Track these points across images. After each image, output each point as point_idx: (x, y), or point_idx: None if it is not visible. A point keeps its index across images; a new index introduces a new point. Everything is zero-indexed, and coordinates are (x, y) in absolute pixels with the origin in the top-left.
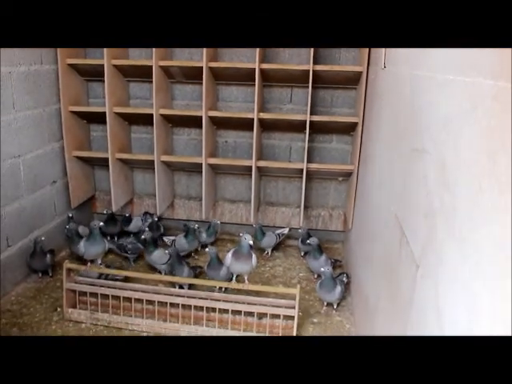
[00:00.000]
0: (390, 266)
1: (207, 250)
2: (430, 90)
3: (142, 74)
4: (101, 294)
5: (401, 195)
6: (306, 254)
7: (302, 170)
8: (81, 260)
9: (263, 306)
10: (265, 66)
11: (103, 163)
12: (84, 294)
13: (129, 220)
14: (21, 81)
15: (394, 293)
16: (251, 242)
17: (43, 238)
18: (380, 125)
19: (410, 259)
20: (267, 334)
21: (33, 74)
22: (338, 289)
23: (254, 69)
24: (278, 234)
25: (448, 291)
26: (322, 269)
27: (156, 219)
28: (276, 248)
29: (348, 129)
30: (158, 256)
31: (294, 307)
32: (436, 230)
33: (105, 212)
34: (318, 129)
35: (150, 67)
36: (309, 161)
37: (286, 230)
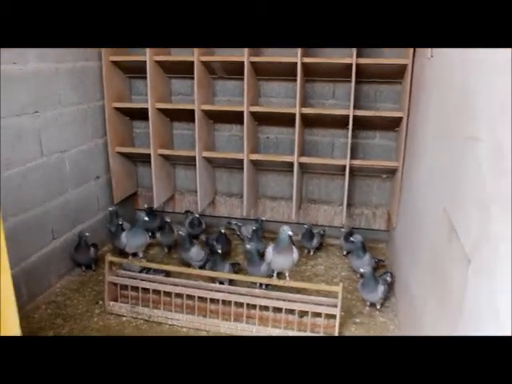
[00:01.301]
0: (437, 263)
1: (248, 246)
2: (484, 74)
3: (184, 70)
4: (142, 288)
5: (451, 188)
6: (348, 253)
7: (344, 166)
8: (123, 255)
9: (305, 304)
10: (307, 60)
11: (145, 159)
12: (125, 287)
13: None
14: (67, 77)
15: (443, 291)
16: (291, 233)
17: (88, 234)
18: (427, 117)
19: (460, 254)
20: (308, 333)
21: (78, 70)
22: (381, 288)
23: (296, 63)
24: (318, 235)
25: (505, 287)
26: (362, 269)
27: (197, 216)
28: (318, 247)
29: (392, 124)
30: (195, 253)
31: (336, 305)
32: (490, 222)
33: (145, 206)
34: (361, 125)
35: (192, 63)
36: (352, 157)
37: (321, 231)
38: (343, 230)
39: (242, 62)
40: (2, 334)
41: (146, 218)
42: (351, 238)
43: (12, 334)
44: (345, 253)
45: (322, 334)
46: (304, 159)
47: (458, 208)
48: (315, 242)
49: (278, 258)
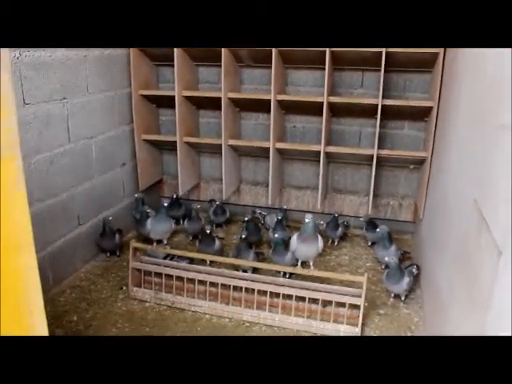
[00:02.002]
0: (466, 255)
1: (276, 235)
2: None
3: (211, 57)
4: (165, 275)
5: (482, 178)
6: (373, 243)
7: (371, 156)
8: (147, 242)
9: (328, 294)
10: (336, 48)
11: (171, 147)
12: (149, 273)
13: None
14: (95, 64)
15: (472, 284)
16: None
17: (111, 218)
18: (459, 107)
19: (490, 246)
20: (331, 322)
21: (106, 57)
22: (406, 280)
23: (325, 51)
24: (343, 225)
25: None
26: (387, 258)
27: (220, 204)
28: (342, 237)
29: (421, 114)
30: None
31: (360, 296)
32: None
33: (173, 195)
34: (389, 114)
35: (219, 51)
36: (379, 147)
37: (345, 221)
38: (362, 219)
39: (270, 50)
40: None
41: (165, 204)
42: (377, 229)
43: (39, 334)
44: (369, 243)
45: (345, 325)
46: (331, 148)
47: (489, 199)
48: (339, 231)
49: (303, 247)
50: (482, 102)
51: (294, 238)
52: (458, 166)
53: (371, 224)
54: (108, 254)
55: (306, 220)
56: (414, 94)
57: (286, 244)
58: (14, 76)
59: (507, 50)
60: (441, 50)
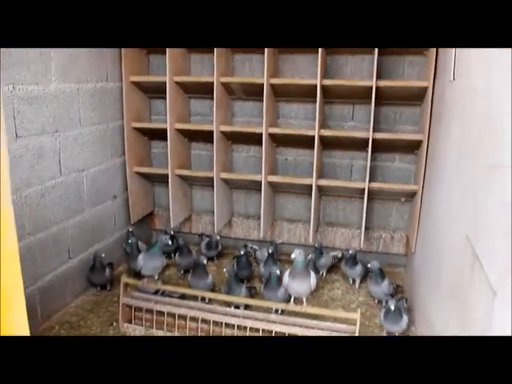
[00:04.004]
0: (460, 293)
1: (272, 270)
2: (509, 100)
3: (204, 90)
4: (156, 311)
5: (474, 215)
6: (353, 281)
7: (363, 189)
8: (138, 275)
9: (321, 331)
10: (327, 82)
11: (163, 179)
12: (140, 309)
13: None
14: (87, 97)
15: (466, 323)
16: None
17: (103, 255)
18: (449, 141)
19: (484, 286)
20: None
21: (99, 91)
22: (405, 319)
23: (316, 85)
24: (333, 256)
25: None
26: (389, 302)
27: (218, 238)
28: (334, 270)
29: (412, 147)
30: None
31: (354, 333)
32: None
33: (169, 230)
34: (380, 147)
35: (212, 84)
36: (371, 180)
37: (339, 254)
38: (350, 252)
39: (262, 84)
40: (11, 334)
41: (170, 242)
42: (368, 265)
43: (20, 334)
44: (351, 282)
45: None
46: (322, 182)
47: (481, 236)
48: (323, 260)
49: (294, 283)
50: (472, 139)
51: (286, 273)
52: (449, 200)
53: (352, 259)
54: (98, 289)
55: (293, 256)
56: (405, 127)
57: (278, 278)
58: (7, 109)
59: (498, 88)
60: (429, 84)
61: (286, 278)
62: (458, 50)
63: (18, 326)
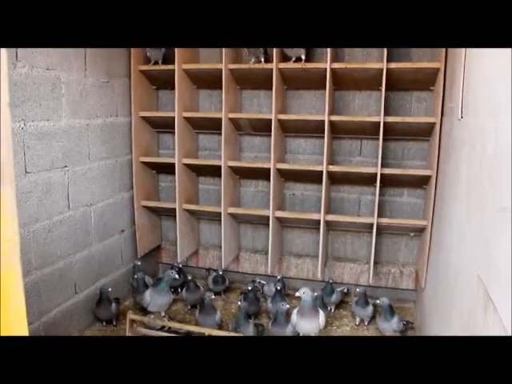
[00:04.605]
0: (472, 333)
1: (280, 306)
2: None
3: (212, 125)
4: None
5: (485, 255)
6: (361, 321)
7: (371, 224)
8: (144, 310)
9: None
10: (334, 118)
11: (170, 213)
12: None
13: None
14: (97, 132)
15: None
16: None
17: (110, 290)
18: (458, 179)
19: (498, 328)
20: None
21: (108, 125)
22: None
23: (324, 121)
24: (341, 292)
25: None
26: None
27: (220, 273)
28: (342, 306)
29: (420, 182)
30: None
31: None
32: None
33: (176, 265)
34: (388, 182)
35: (220, 119)
36: (379, 215)
37: (345, 289)
38: (358, 290)
39: (270, 120)
40: (10, 334)
41: (177, 277)
42: (377, 302)
43: (19, 334)
44: (358, 322)
45: None
46: (330, 217)
47: (494, 278)
48: (334, 297)
49: (303, 322)
50: (482, 180)
51: (295, 312)
52: (460, 238)
53: (363, 299)
54: (104, 323)
55: (297, 294)
56: (413, 162)
57: (286, 315)
58: (17, 146)
59: (507, 129)
60: (437, 120)
61: (294, 317)
62: (464, 87)
63: (16, 325)
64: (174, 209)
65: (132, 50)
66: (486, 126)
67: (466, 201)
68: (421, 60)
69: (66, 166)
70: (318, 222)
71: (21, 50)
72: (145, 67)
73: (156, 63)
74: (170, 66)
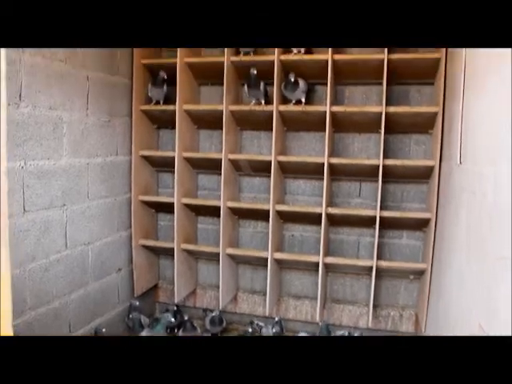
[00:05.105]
0: None
1: None
2: None
3: (212, 166)
4: None
5: (486, 303)
6: None
7: (371, 267)
8: None
9: None
10: (334, 160)
11: (168, 252)
12: None
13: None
14: (97, 171)
15: None
16: None
17: (104, 330)
18: (457, 224)
19: None
20: None
21: (108, 164)
22: None
23: (323, 163)
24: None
25: None
26: None
27: (218, 313)
28: None
29: (420, 225)
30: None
31: None
32: None
33: (170, 306)
34: (387, 224)
35: (220, 160)
36: (378, 257)
37: (346, 333)
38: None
39: (269, 161)
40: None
41: (173, 320)
42: None
43: (4, 334)
44: None
45: None
46: (329, 259)
47: (496, 328)
48: None
49: None
50: (482, 227)
51: None
52: (460, 283)
53: None
54: None
55: None
56: (412, 205)
57: None
58: (16, 185)
59: (506, 176)
60: (436, 163)
61: None
62: (463, 132)
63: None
64: (172, 248)
65: (134, 89)
66: (485, 172)
67: (466, 246)
68: (419, 104)
69: (64, 205)
70: (317, 264)
71: (24, 90)
72: (146, 107)
73: (157, 103)
74: (171, 107)
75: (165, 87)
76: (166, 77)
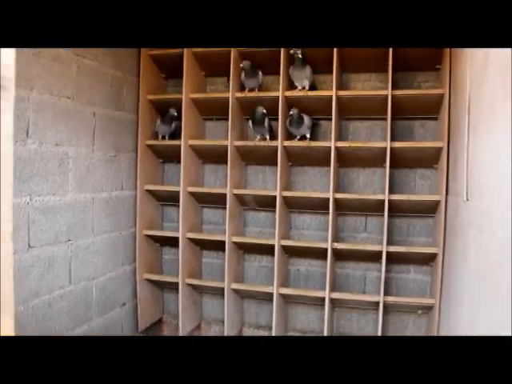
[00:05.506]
0: None
1: None
2: None
3: (216, 200)
4: None
5: None
6: None
7: (377, 302)
8: None
9: None
10: (339, 195)
11: (173, 286)
12: None
13: None
14: (102, 206)
15: None
16: None
17: None
18: (466, 262)
19: None
20: None
21: (113, 199)
22: None
23: (328, 198)
24: None
25: None
26: None
27: None
28: None
29: (427, 259)
30: None
31: None
32: None
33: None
34: (394, 258)
35: (224, 195)
36: (385, 292)
37: None
38: None
39: (274, 197)
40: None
41: None
42: None
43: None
44: None
45: None
46: (336, 295)
47: None
48: None
49: None
50: (492, 269)
51: None
52: (472, 327)
53: None
54: None
55: None
56: (418, 239)
57: None
58: (22, 221)
59: None
60: (442, 198)
61: None
62: (469, 168)
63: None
64: (177, 282)
65: (139, 124)
66: (493, 211)
67: (476, 284)
68: (424, 138)
69: (69, 240)
70: (323, 299)
71: (32, 127)
72: (152, 142)
73: (164, 138)
74: (176, 142)
75: (173, 124)
76: (176, 114)
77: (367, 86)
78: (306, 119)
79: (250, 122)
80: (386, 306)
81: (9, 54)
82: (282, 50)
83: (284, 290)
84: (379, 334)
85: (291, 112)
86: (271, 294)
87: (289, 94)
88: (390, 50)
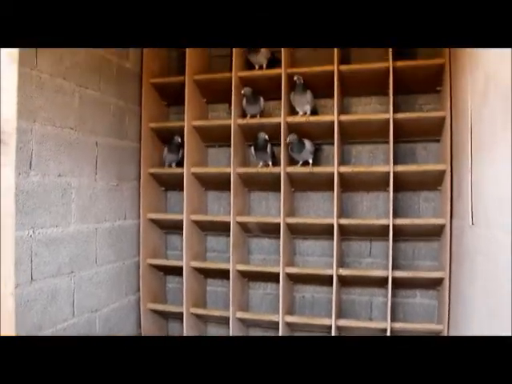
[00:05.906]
0: None
1: None
2: None
3: (220, 228)
4: None
5: None
6: None
7: (385, 329)
8: None
9: None
10: (343, 221)
11: (178, 316)
12: None
13: None
14: (105, 236)
15: None
16: None
17: None
18: (474, 289)
19: None
20: None
21: (116, 229)
22: None
23: (332, 224)
24: None
25: None
26: None
27: None
28: None
29: (433, 284)
30: None
31: None
32: None
33: None
34: (400, 283)
35: (228, 223)
36: (392, 318)
37: None
38: None
39: (278, 223)
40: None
41: None
42: None
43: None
44: None
45: None
46: (342, 322)
47: None
48: None
49: None
50: (500, 296)
51: None
52: None
53: None
54: None
55: None
56: (424, 263)
57: None
58: (24, 254)
59: None
60: (446, 222)
61: None
62: (473, 192)
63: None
64: (182, 312)
65: (142, 152)
66: (500, 238)
67: (485, 308)
68: (426, 160)
69: (72, 272)
70: (330, 327)
71: (35, 159)
72: (154, 170)
73: (170, 165)
74: (178, 169)
75: (180, 153)
76: (180, 140)
77: (368, 110)
78: (308, 144)
79: (252, 148)
80: (394, 332)
81: (9, 108)
82: (283, 75)
83: (290, 319)
84: None
85: (289, 138)
86: (277, 323)
87: (290, 119)
88: (391, 73)
